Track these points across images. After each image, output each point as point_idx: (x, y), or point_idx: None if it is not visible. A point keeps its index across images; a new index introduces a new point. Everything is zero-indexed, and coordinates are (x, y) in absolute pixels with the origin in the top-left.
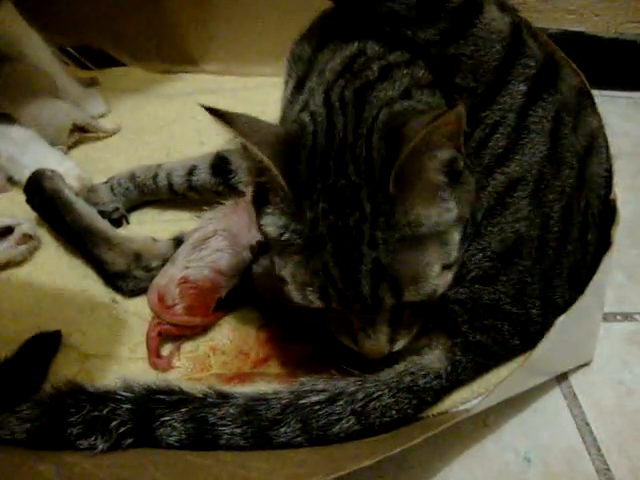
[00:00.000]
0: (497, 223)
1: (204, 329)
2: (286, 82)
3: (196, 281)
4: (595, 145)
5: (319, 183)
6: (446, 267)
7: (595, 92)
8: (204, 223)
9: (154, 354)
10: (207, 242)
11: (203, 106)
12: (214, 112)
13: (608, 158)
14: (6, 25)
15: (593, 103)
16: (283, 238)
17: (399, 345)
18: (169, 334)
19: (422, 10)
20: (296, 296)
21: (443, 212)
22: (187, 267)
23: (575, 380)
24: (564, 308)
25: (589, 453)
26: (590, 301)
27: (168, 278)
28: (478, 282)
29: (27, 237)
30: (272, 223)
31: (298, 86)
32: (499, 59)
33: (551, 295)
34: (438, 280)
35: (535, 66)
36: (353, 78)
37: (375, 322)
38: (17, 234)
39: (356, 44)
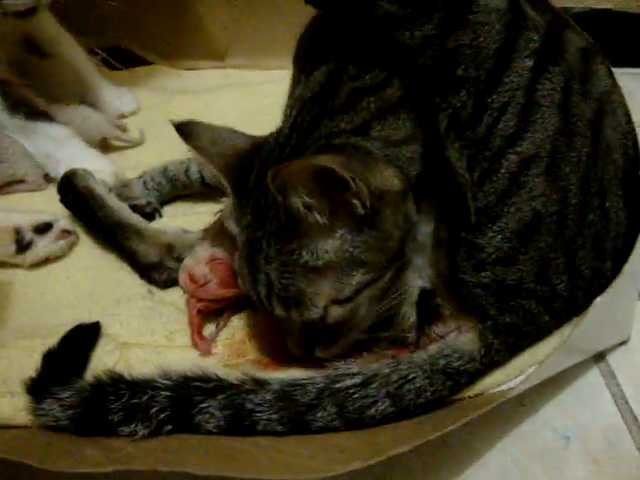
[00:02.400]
0: (513, 203)
1: (240, 300)
2: (290, 80)
3: (224, 257)
4: (606, 109)
5: (254, 197)
6: (336, 302)
7: (625, 70)
8: (227, 204)
9: (196, 332)
10: (231, 219)
11: (172, 122)
12: (177, 126)
13: (629, 122)
14: (44, 27)
15: (602, 65)
16: (234, 234)
17: (321, 354)
18: (208, 310)
19: (417, 5)
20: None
21: (328, 251)
22: (213, 246)
23: (613, 359)
24: (591, 279)
25: (630, 431)
26: (627, 279)
27: (195, 258)
28: (499, 264)
29: (66, 233)
30: (231, 222)
31: (292, 88)
32: (501, 40)
33: (577, 267)
34: (323, 311)
35: (539, 38)
36: (320, 101)
37: (289, 325)
38: (56, 230)
39: (337, 60)
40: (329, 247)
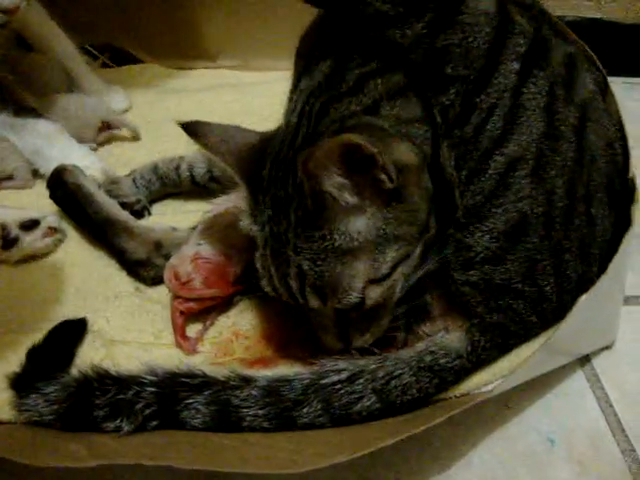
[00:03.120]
0: (500, 204)
1: (224, 302)
2: (292, 76)
3: (209, 256)
4: (590, 116)
5: (271, 191)
6: (374, 281)
7: (614, 79)
8: (216, 204)
9: (179, 334)
10: (218, 219)
11: (178, 123)
12: (184, 125)
13: (619, 129)
14: (34, 22)
15: (587, 72)
16: (251, 234)
17: (359, 342)
18: (191, 311)
19: (408, 4)
20: (261, 284)
21: (360, 231)
22: (199, 244)
23: (598, 363)
24: (578, 283)
25: (614, 434)
26: (611, 282)
27: (181, 257)
28: (487, 263)
29: (52, 230)
30: (244, 220)
31: (296, 83)
32: (489, 41)
33: (563, 270)
34: (363, 293)
35: (525, 42)
36: (327, 89)
37: (322, 319)
38: (43, 227)
39: (341, 51)
40: (361, 227)
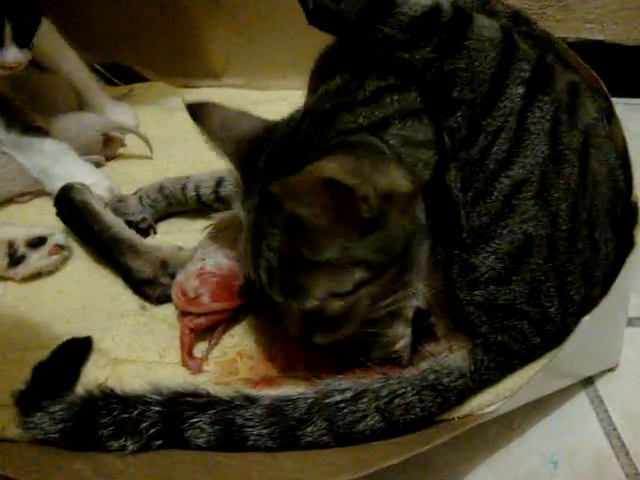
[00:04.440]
0: (505, 225)
1: (231, 316)
2: (306, 95)
3: (214, 270)
4: (592, 142)
5: (261, 183)
6: (335, 295)
7: (617, 100)
8: (217, 219)
9: (187, 352)
10: (221, 233)
11: (184, 102)
12: (189, 106)
13: (620, 156)
14: (45, 41)
15: (590, 98)
16: (240, 217)
17: (319, 340)
18: (201, 328)
19: (416, 30)
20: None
21: (329, 250)
22: (203, 259)
23: (601, 385)
24: (581, 304)
25: (617, 458)
26: (614, 303)
27: (187, 273)
28: (492, 283)
29: (59, 247)
30: (235, 204)
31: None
32: (495, 66)
33: (567, 292)
34: (322, 303)
35: (529, 68)
36: (344, 93)
37: (289, 311)
38: (49, 244)
39: (358, 67)
40: (331, 248)
